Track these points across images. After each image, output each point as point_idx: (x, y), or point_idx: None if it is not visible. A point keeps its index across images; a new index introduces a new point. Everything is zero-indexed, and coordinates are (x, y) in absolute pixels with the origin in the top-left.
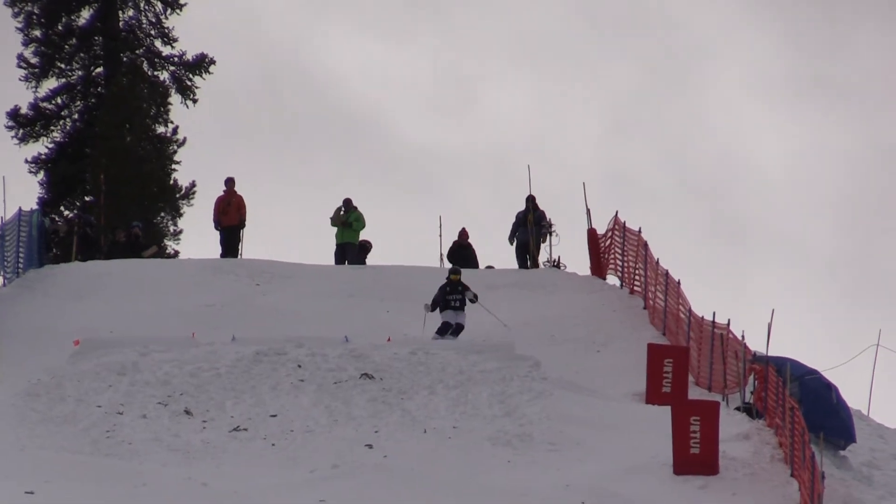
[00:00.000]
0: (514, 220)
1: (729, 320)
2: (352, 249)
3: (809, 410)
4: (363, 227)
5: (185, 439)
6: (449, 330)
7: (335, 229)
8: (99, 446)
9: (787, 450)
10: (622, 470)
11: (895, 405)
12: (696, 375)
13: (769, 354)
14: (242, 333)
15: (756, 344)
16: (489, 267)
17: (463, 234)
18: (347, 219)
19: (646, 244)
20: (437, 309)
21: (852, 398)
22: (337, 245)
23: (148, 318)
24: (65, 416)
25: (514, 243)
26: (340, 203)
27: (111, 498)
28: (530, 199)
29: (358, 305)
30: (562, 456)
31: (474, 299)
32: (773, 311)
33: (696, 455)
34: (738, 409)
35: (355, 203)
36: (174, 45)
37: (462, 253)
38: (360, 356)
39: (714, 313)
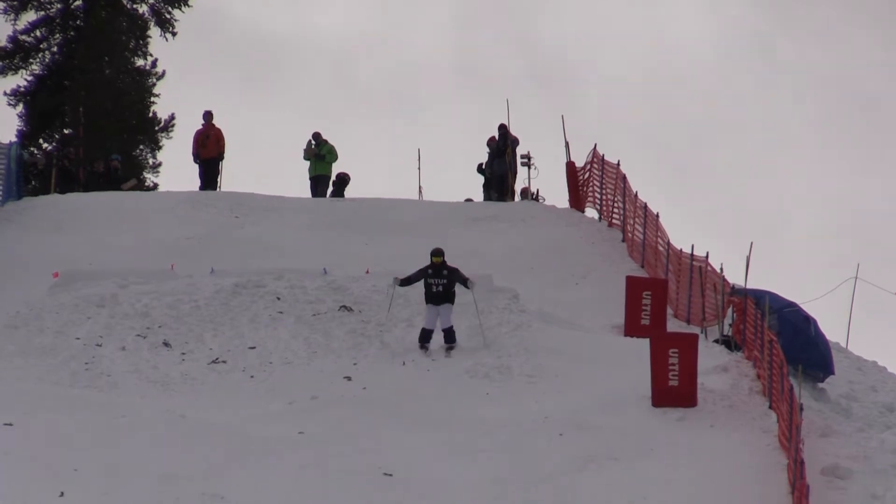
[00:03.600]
0: (487, 150)
1: (707, 253)
2: (325, 182)
3: (788, 343)
4: (335, 159)
5: (164, 371)
6: (429, 337)
7: (308, 163)
8: (78, 378)
9: (766, 382)
10: (601, 402)
11: (873, 338)
12: (674, 308)
13: (748, 287)
14: (221, 266)
15: (735, 277)
16: (468, 200)
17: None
18: (319, 151)
19: (624, 177)
20: (409, 284)
21: (831, 331)
22: (311, 178)
23: (127, 250)
24: (44, 348)
25: (491, 175)
26: (310, 137)
27: (90, 429)
28: (502, 128)
29: (336, 238)
30: (540, 388)
31: (468, 285)
32: (751, 243)
33: (674, 387)
34: (716, 341)
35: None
36: None
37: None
38: (338, 288)
39: (693, 246)
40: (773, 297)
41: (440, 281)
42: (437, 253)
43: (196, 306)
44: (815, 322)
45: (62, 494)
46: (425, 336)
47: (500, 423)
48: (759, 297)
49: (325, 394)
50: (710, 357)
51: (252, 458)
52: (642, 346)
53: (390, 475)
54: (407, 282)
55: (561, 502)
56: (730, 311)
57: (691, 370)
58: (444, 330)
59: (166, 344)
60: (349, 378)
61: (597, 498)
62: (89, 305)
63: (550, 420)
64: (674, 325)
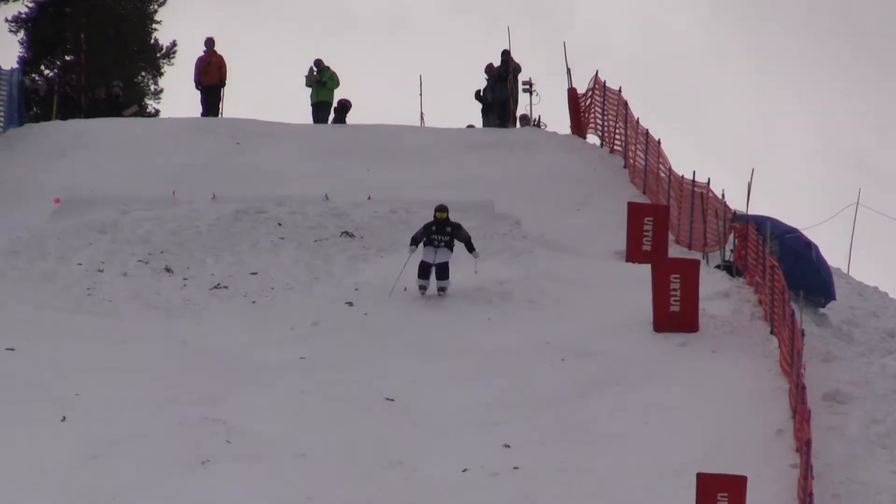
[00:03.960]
0: (486, 76)
1: (709, 179)
2: (326, 107)
3: (789, 268)
4: (337, 85)
5: (166, 297)
6: (428, 272)
7: (310, 90)
8: (80, 304)
9: (767, 308)
10: (602, 327)
11: (874, 263)
12: (676, 234)
13: (749, 213)
14: (223, 192)
15: (736, 203)
16: (470, 126)
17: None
18: (321, 77)
19: (626, 103)
20: (417, 243)
21: (832, 256)
22: (312, 104)
23: (128, 176)
24: (45, 274)
25: (493, 101)
26: (312, 64)
27: (91, 355)
28: (505, 54)
29: (338, 164)
30: (541, 314)
31: (474, 255)
32: (752, 169)
33: (676, 313)
34: (718, 267)
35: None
36: None
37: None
38: (340, 214)
39: (694, 172)
40: (775, 223)
41: (442, 238)
42: (441, 209)
43: (198, 232)
44: (816, 248)
45: (64, 419)
46: (424, 270)
47: (502, 349)
48: (761, 223)
49: (326, 319)
50: (712, 283)
51: (253, 383)
52: (644, 271)
53: (392, 400)
54: (415, 241)
55: (562, 427)
56: (731, 236)
57: (693, 296)
58: (437, 264)
59: (168, 270)
60: (350, 304)
61: (598, 423)
62: (91, 231)
63: (552, 345)
64: (675, 251)
